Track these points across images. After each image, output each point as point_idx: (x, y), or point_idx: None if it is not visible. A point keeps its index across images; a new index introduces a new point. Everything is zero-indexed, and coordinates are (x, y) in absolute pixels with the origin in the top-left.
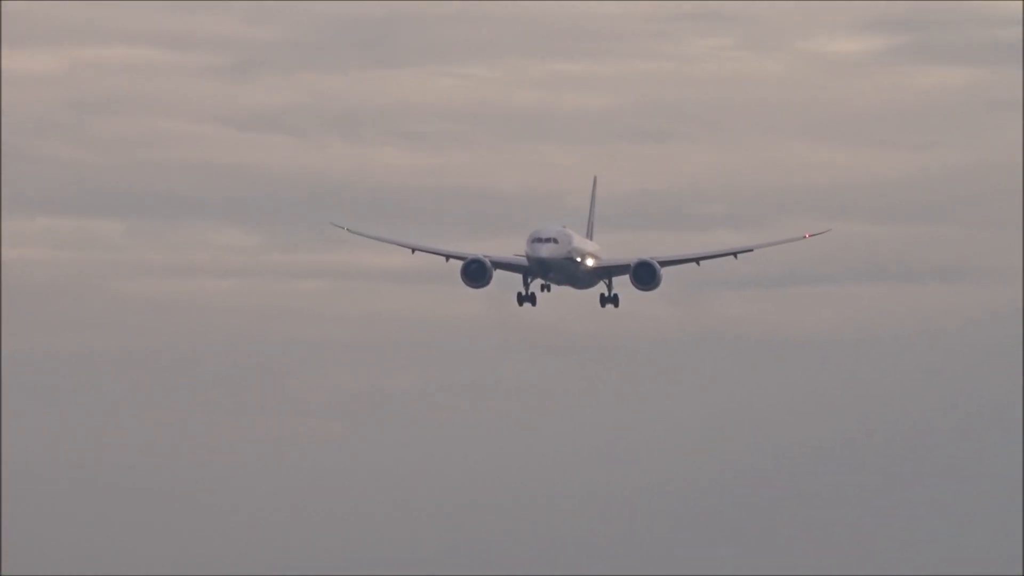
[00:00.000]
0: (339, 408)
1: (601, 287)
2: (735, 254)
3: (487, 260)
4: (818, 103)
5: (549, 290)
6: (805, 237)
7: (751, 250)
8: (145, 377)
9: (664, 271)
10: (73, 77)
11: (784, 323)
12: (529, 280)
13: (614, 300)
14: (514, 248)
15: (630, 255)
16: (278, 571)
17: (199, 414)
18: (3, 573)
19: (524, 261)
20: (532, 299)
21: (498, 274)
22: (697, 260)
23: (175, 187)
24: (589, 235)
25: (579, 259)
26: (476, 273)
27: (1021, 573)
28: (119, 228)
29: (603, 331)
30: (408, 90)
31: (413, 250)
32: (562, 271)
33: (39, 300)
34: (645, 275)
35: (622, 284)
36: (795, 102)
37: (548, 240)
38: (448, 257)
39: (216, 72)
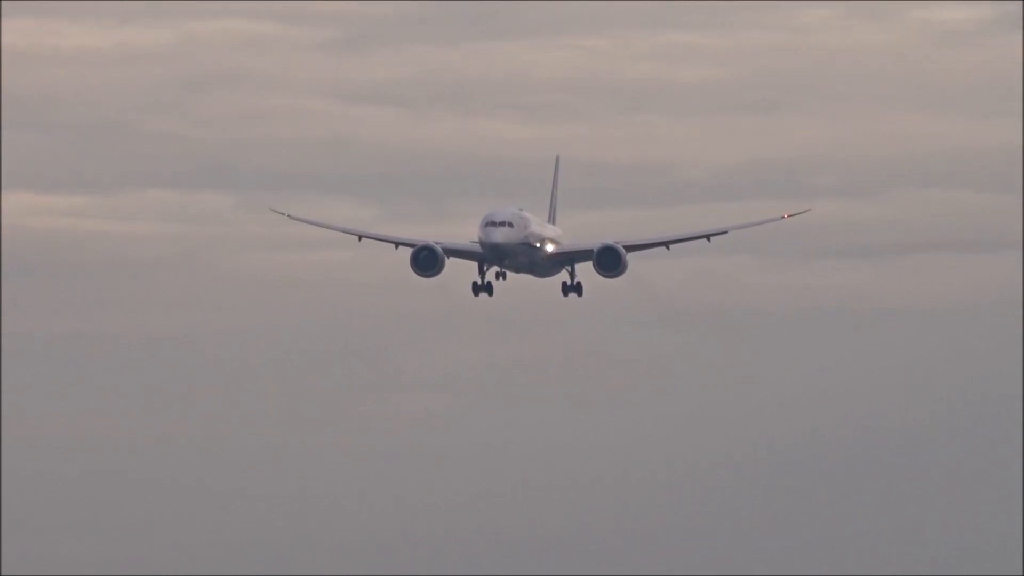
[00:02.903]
0: (449, 383)
1: (564, 275)
2: (708, 237)
3: (438, 247)
4: (928, 72)
5: (504, 278)
6: (784, 217)
7: (725, 232)
8: (254, 351)
9: (630, 256)
10: (183, 52)
11: (893, 292)
12: (485, 268)
13: (577, 288)
14: (622, 221)
15: (595, 239)
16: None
17: (311, 388)
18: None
19: (479, 248)
20: (489, 288)
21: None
22: (667, 244)
23: (285, 161)
24: (551, 219)
25: (537, 244)
26: (426, 261)
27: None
28: (229, 202)
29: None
30: (520, 62)
31: (360, 237)
32: (519, 257)
33: (149, 274)
34: (609, 261)
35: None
36: (905, 72)
37: (502, 224)
38: (397, 244)
39: (327, 46)
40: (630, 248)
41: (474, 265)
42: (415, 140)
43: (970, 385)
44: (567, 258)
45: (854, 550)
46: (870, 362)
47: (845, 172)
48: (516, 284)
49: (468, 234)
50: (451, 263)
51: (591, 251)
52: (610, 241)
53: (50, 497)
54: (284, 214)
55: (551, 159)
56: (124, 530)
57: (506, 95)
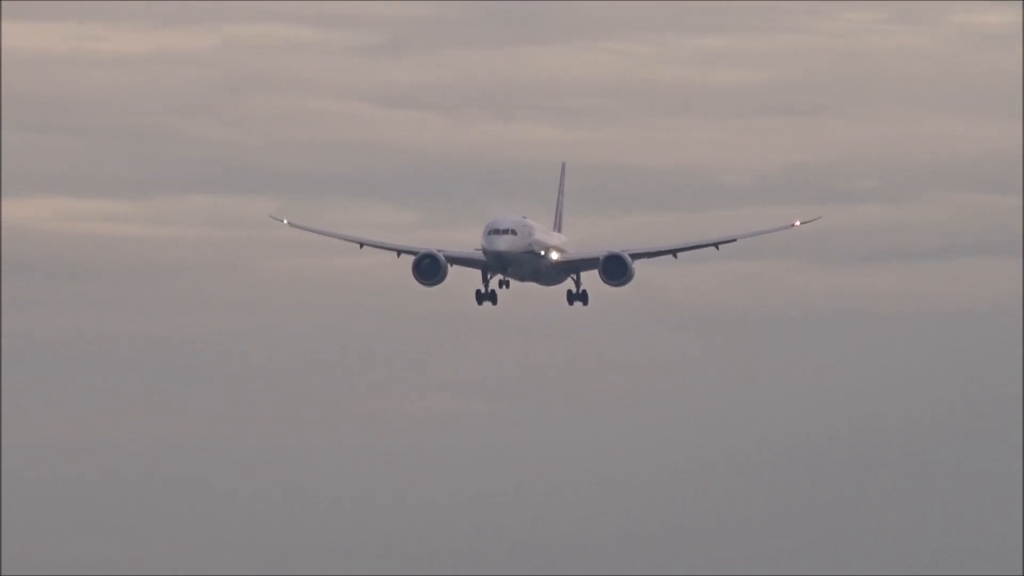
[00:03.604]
0: (488, 386)
1: (569, 283)
2: (717, 245)
3: (441, 255)
4: (967, 76)
5: (508, 287)
6: (794, 225)
7: (735, 240)
8: (295, 354)
9: (636, 264)
10: (223, 56)
11: (932, 296)
12: (489, 276)
13: (583, 297)
14: (660, 225)
15: (602, 247)
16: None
17: (352, 392)
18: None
19: (482, 256)
20: (492, 297)
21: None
22: (674, 252)
23: (326, 165)
24: (557, 227)
25: (542, 252)
26: (429, 269)
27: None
28: (270, 206)
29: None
30: (558, 66)
31: (361, 245)
32: (523, 265)
33: (189, 278)
34: (615, 269)
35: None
36: (944, 75)
37: (505, 232)
38: (399, 252)
39: (366, 50)
40: (637, 256)
41: (478, 273)
42: (453, 144)
43: (1009, 389)
44: (572, 266)
45: (872, 550)
46: (908, 366)
47: (884, 176)
48: (521, 293)
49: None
50: (455, 271)
51: (597, 259)
52: (616, 249)
53: (83, 496)
54: (283, 221)
55: (590, 163)
56: (155, 533)
57: (544, 99)
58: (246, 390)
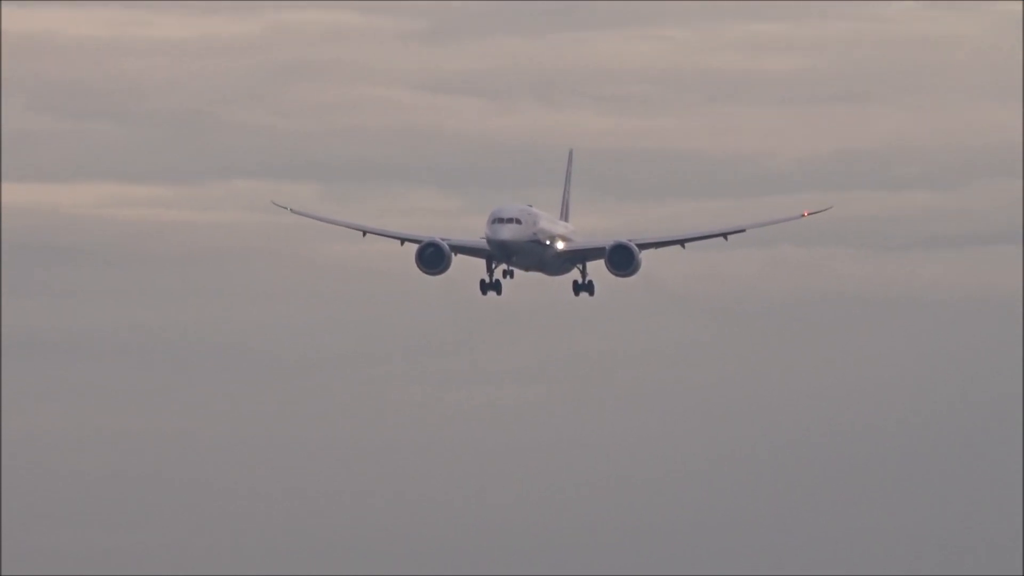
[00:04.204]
0: (535, 373)
1: (576, 273)
2: (725, 235)
3: (445, 244)
4: (1016, 63)
5: (512, 276)
6: (803, 215)
7: (743, 230)
8: (339, 341)
9: (644, 254)
10: (270, 43)
11: (979, 283)
12: (493, 266)
13: (589, 288)
14: (706, 212)
15: (608, 237)
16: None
17: (397, 378)
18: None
19: (487, 244)
20: (497, 287)
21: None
22: (682, 242)
23: (371, 151)
24: (564, 215)
25: (547, 242)
26: (432, 258)
27: None
28: (315, 192)
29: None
30: (605, 53)
31: (364, 232)
32: (527, 255)
33: (235, 263)
34: (621, 259)
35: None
36: (992, 62)
37: (509, 220)
38: (403, 240)
39: (412, 37)
40: (644, 246)
41: (483, 263)
42: (499, 131)
43: None
44: (578, 256)
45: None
46: (951, 354)
47: (932, 163)
48: (526, 283)
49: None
50: (459, 260)
51: (603, 249)
52: (623, 239)
53: (124, 487)
54: (286, 208)
55: (638, 148)
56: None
57: (591, 86)
58: (290, 377)
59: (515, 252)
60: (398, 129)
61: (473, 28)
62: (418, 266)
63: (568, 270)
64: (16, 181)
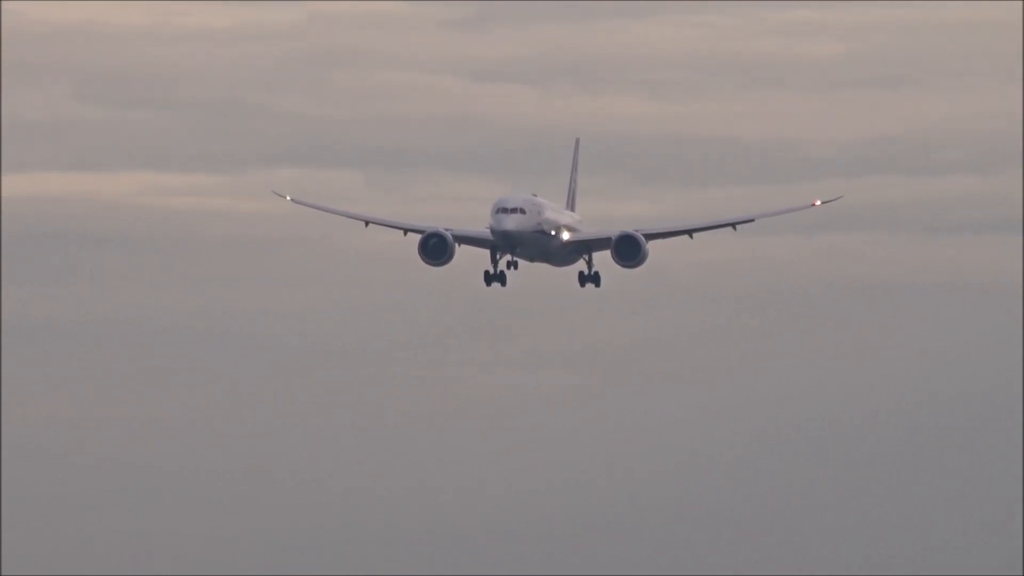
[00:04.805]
0: (583, 358)
1: (582, 264)
2: (734, 225)
3: (448, 234)
4: None
5: (516, 267)
6: (814, 204)
7: (752, 220)
8: (380, 328)
9: (651, 245)
10: (310, 30)
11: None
12: (498, 256)
13: (594, 279)
14: (748, 197)
15: (613, 227)
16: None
17: (441, 365)
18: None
19: (490, 235)
20: (502, 278)
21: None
22: (690, 232)
23: (412, 139)
24: (570, 205)
25: (552, 232)
26: (436, 249)
27: None
28: (358, 179)
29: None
30: (646, 39)
31: (367, 223)
32: (532, 245)
33: (278, 251)
34: (628, 250)
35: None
36: None
37: (514, 210)
38: (406, 231)
39: (453, 23)
40: (651, 236)
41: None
42: (541, 117)
43: None
44: (584, 246)
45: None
46: (992, 339)
47: (972, 147)
48: (531, 274)
49: (604, 208)
50: (462, 251)
51: (609, 239)
52: (629, 229)
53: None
54: (285, 197)
55: (678, 134)
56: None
57: (632, 72)
58: (330, 364)
59: (519, 242)
60: (439, 116)
61: (514, 15)
62: (421, 257)
63: (574, 261)
64: (58, 170)
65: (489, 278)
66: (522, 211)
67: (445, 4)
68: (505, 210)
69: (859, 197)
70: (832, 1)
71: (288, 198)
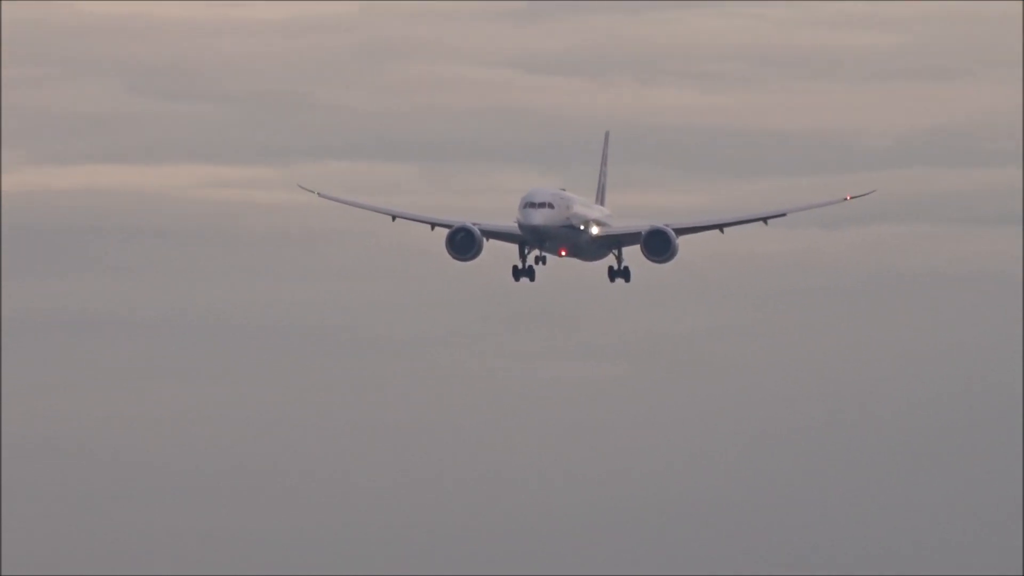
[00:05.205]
0: (628, 350)
1: (611, 259)
2: (765, 220)
3: (476, 229)
4: None
5: (544, 262)
6: (846, 199)
7: (784, 215)
8: (433, 319)
9: (681, 240)
10: (363, 22)
11: None
12: (526, 251)
13: (624, 274)
14: (800, 189)
15: (643, 221)
16: None
17: (493, 357)
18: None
19: (519, 230)
20: (530, 273)
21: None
22: (720, 227)
23: (467, 131)
24: (600, 199)
25: (581, 227)
26: (463, 243)
27: None
28: (412, 172)
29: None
30: (700, 30)
31: (393, 217)
32: (560, 240)
33: (330, 243)
34: (658, 244)
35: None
36: None
37: (542, 205)
38: (433, 225)
39: (508, 15)
40: (681, 231)
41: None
42: (596, 109)
43: None
44: (613, 241)
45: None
46: None
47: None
48: (560, 268)
49: (654, 201)
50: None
51: (639, 234)
52: (659, 224)
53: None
54: (313, 192)
55: (732, 126)
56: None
57: (686, 64)
58: (375, 359)
59: (548, 237)
60: (494, 108)
61: (569, 7)
62: (448, 251)
63: (603, 256)
64: (113, 163)
65: (518, 273)
66: (550, 206)
67: None
68: (533, 204)
69: (908, 188)
70: None
71: (317, 193)
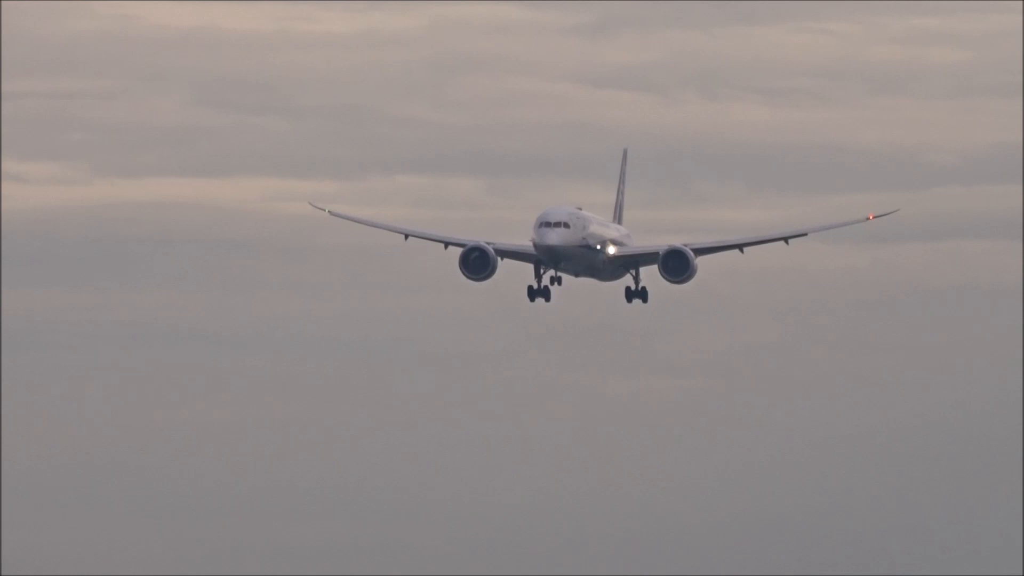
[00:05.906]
0: (703, 367)
1: (629, 279)
2: (786, 239)
3: (490, 248)
4: None
5: (560, 283)
6: (869, 218)
7: (805, 234)
8: (496, 330)
9: (699, 260)
10: (432, 37)
11: None
12: (542, 271)
13: (642, 294)
14: (868, 205)
15: (662, 241)
16: None
17: (553, 368)
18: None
19: (534, 249)
20: (546, 293)
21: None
22: (740, 247)
23: (533, 146)
24: (617, 218)
25: (597, 246)
26: (477, 263)
27: None
28: (479, 186)
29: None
30: (768, 46)
31: (407, 236)
32: (577, 260)
33: (398, 258)
34: (676, 265)
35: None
36: None
37: (557, 224)
38: (447, 244)
39: (576, 30)
40: (700, 251)
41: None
42: (663, 125)
43: None
44: (631, 261)
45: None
46: None
47: None
48: (577, 289)
49: (723, 215)
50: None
51: (656, 254)
52: (678, 244)
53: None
54: (324, 210)
55: (800, 142)
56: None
57: (754, 79)
58: (438, 372)
59: (563, 257)
60: (561, 123)
61: (636, 22)
62: (462, 271)
63: (620, 276)
64: (180, 175)
65: (533, 293)
66: (566, 225)
67: (568, 11)
68: (548, 224)
69: (980, 204)
70: (956, 9)
71: (327, 211)
